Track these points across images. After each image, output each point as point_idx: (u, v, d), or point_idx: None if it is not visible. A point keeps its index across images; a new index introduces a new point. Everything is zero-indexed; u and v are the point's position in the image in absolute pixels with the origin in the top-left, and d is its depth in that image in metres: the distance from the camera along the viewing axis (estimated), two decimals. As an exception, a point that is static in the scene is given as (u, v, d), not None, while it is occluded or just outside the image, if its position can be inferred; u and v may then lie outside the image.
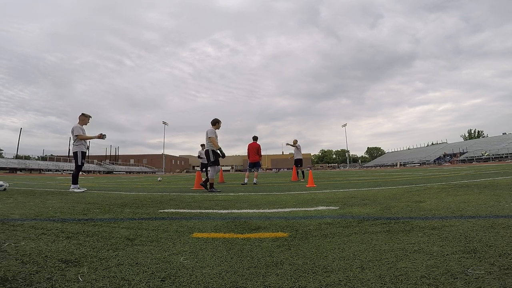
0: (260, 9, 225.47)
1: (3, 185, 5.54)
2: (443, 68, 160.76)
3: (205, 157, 11.84)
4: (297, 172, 10.74)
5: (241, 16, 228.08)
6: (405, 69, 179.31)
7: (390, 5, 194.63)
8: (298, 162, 10.72)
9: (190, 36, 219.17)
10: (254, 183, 8.08)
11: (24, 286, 1.09)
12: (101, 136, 6.00)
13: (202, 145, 12.00)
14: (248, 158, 8.69)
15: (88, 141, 6.17)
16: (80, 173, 6.13)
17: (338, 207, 3.00)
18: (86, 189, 6.05)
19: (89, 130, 6.28)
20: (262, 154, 9.00)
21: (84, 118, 6.10)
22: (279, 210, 2.97)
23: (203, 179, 10.28)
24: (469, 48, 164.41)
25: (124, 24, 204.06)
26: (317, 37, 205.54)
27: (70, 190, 5.62)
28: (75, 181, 5.75)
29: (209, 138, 5.92)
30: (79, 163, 5.84)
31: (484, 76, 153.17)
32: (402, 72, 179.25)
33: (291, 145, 10.68)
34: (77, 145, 5.84)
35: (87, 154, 6.19)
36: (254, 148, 8.56)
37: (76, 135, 5.79)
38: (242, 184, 8.08)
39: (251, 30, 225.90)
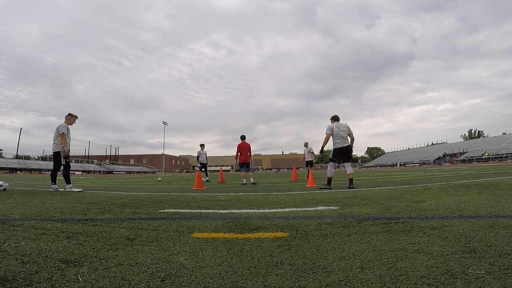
0: (257, 9, 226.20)
1: (3, 185, 5.54)
2: (441, 68, 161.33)
3: (204, 158, 11.96)
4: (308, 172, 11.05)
5: (238, 17, 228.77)
6: (403, 69, 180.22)
7: (386, 5, 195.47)
8: (309, 163, 11.43)
9: (187, 37, 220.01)
10: (253, 183, 8.10)
11: (24, 286, 1.09)
12: (67, 153, 5.77)
13: (202, 145, 12.00)
14: (237, 158, 8.63)
15: (70, 139, 6.04)
16: (59, 172, 6.00)
17: (338, 207, 3.00)
18: (82, 189, 6.01)
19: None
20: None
21: (71, 118, 6.03)
22: (279, 210, 2.97)
23: (203, 179, 10.34)
24: (466, 48, 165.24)
25: (122, 25, 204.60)
26: (314, 38, 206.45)
27: (68, 190, 5.60)
28: (68, 180, 5.74)
29: (350, 135, 5.85)
30: (63, 162, 5.75)
31: (482, 76, 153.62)
32: (400, 72, 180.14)
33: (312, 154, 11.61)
34: (59, 144, 5.72)
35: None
36: (247, 148, 8.59)
37: (62, 132, 5.66)
38: (243, 184, 8.09)
39: (249, 31, 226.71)
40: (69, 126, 6.00)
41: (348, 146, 5.77)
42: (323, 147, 5.96)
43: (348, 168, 5.80)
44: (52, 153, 5.86)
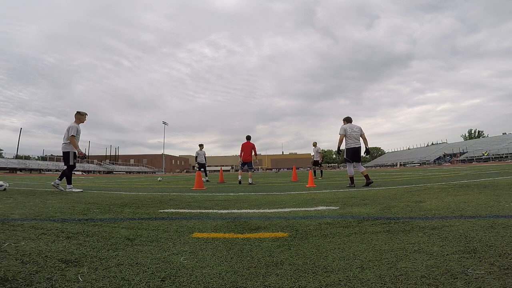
0: (256, 10, 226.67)
1: (3, 185, 5.53)
2: (441, 68, 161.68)
3: (203, 158, 11.95)
4: (314, 172, 11.18)
5: (238, 17, 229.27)
6: (403, 69, 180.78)
7: (385, 5, 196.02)
8: (316, 163, 11.75)
9: (187, 37, 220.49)
10: (250, 183, 8.13)
11: (24, 286, 1.09)
12: (82, 154, 5.74)
13: (200, 145, 12.01)
14: (240, 156, 8.78)
15: (79, 140, 5.91)
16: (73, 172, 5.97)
17: (338, 207, 3.00)
18: (82, 190, 5.99)
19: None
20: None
21: (81, 117, 5.87)
22: (279, 210, 2.97)
23: (203, 179, 10.36)
24: (465, 49, 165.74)
25: (121, 26, 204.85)
26: (313, 38, 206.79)
27: (68, 190, 5.57)
28: (69, 181, 5.69)
29: (362, 136, 6.02)
30: (71, 163, 5.71)
31: (481, 76, 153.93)
32: (400, 73, 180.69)
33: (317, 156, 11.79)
34: (69, 144, 5.66)
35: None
36: (249, 147, 8.67)
37: (72, 135, 5.58)
38: (238, 182, 8.15)
39: (248, 31, 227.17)
40: (80, 125, 5.88)
41: (359, 147, 5.95)
42: (339, 147, 6.12)
43: (360, 168, 5.98)
44: (62, 153, 5.79)
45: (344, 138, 5.99)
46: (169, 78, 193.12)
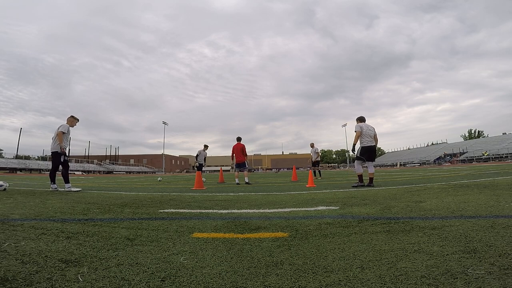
0: (256, 10, 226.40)
1: (3, 185, 5.53)
2: (440, 68, 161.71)
3: (203, 159, 11.95)
4: (314, 172, 11.25)
5: (237, 17, 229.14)
6: (402, 69, 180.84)
7: (385, 5, 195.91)
8: (315, 163, 11.87)
9: (186, 37, 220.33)
10: (247, 182, 8.22)
11: (24, 286, 1.09)
12: (63, 151, 5.79)
13: (205, 146, 12.03)
14: (232, 158, 8.95)
15: (69, 139, 6.11)
16: (58, 172, 6.01)
17: (338, 207, 3.00)
18: (81, 189, 6.02)
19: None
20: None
21: (73, 120, 6.13)
22: (279, 210, 2.97)
23: (203, 179, 10.37)
24: (465, 49, 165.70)
25: (120, 26, 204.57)
26: (313, 38, 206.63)
27: (66, 189, 5.59)
28: (67, 180, 5.75)
29: (374, 136, 6.00)
30: (62, 160, 5.78)
31: (481, 76, 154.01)
32: (399, 73, 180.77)
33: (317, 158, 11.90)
34: (57, 144, 5.76)
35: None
36: (239, 149, 8.81)
37: (61, 131, 5.68)
38: (236, 184, 8.18)
39: (248, 31, 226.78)
40: (70, 128, 6.03)
41: (374, 146, 5.95)
42: (354, 144, 6.06)
43: (370, 167, 5.97)
44: (51, 153, 5.89)
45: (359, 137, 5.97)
46: (169, 78, 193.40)
